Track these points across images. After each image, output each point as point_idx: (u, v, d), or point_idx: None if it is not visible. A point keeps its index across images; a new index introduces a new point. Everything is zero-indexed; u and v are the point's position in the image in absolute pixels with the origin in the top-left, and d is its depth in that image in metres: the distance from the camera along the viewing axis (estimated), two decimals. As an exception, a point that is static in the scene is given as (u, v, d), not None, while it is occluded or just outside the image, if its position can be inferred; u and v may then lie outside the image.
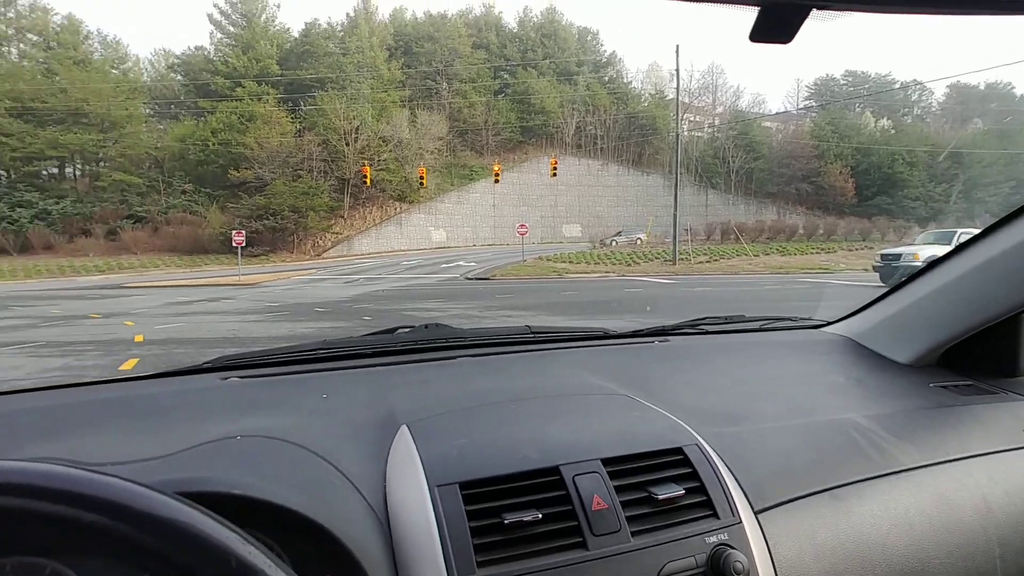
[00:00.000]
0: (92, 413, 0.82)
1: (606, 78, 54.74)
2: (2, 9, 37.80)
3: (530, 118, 48.02)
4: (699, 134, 54.25)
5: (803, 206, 45.39)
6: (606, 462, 0.71)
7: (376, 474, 0.71)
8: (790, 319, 1.48)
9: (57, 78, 36.25)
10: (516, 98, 48.53)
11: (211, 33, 43.37)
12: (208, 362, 1.02)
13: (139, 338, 8.81)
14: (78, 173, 38.40)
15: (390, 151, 40.26)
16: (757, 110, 55.29)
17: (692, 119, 53.99)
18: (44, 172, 36.57)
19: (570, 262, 25.06)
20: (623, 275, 20.12)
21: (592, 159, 49.64)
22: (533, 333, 1.20)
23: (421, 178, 31.44)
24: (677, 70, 25.38)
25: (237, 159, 36.52)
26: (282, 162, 36.94)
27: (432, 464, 0.69)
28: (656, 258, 25.28)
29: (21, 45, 38.53)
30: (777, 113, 54.05)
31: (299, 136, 38.45)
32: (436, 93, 47.53)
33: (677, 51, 34.10)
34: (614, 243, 36.49)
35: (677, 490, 0.71)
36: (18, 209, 33.25)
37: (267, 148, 36.69)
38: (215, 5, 42.99)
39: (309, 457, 0.71)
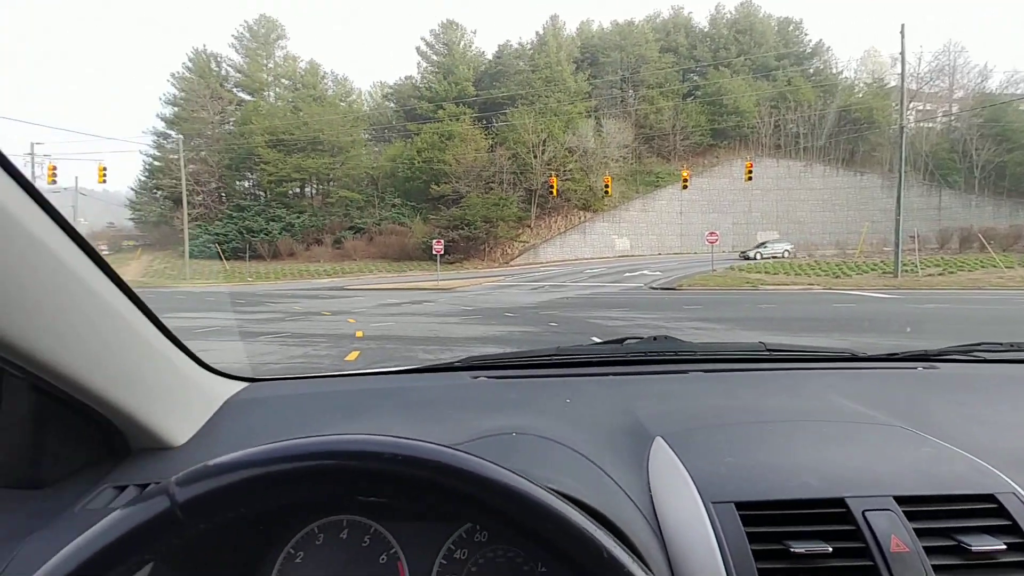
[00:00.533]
0: (377, 399, 0.95)
1: (810, 70, 51.15)
2: (265, 61, 48.14)
3: (722, 120, 46.81)
4: (930, 125, 47.69)
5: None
6: (900, 500, 0.66)
7: (639, 482, 0.72)
8: None
9: (301, 113, 44.97)
10: (706, 100, 47.72)
11: (418, 63, 50.31)
12: (459, 361, 1.12)
13: (359, 333, 10.06)
14: (314, 192, 46.90)
15: (575, 161, 42.36)
16: (1012, 91, 46.72)
17: (921, 108, 47.64)
18: (290, 192, 45.38)
19: (766, 272, 24.08)
20: (830, 288, 18.87)
21: (793, 160, 46.56)
22: (769, 351, 1.18)
23: (606, 186, 32.65)
24: (903, 53, 23.14)
25: (438, 175, 41.45)
26: (476, 176, 41.02)
27: (703, 480, 0.69)
28: (872, 270, 23.04)
29: (277, 89, 48.58)
30: (1047, 92, 45.15)
31: (491, 151, 42.39)
32: (622, 101, 48.84)
33: (902, 31, 30.73)
34: (758, 256, 33.44)
35: (996, 543, 0.63)
36: (271, 223, 41.75)
37: (463, 163, 41.07)
38: (422, 38, 49.89)
39: (579, 458, 0.74)
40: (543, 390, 1.00)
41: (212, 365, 0.92)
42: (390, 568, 0.63)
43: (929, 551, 0.62)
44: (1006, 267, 21.26)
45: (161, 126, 45.21)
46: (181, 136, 41.42)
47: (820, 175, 45.92)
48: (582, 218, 43.68)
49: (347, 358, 7.54)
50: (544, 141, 41.86)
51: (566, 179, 41.07)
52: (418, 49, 49.76)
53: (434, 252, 28.64)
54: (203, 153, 43.80)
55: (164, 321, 0.78)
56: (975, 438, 0.85)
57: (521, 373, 1.07)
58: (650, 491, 0.71)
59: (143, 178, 44.75)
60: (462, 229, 38.62)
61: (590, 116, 45.53)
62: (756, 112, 46.57)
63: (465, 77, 47.10)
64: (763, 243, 36.72)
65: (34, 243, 0.54)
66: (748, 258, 33.16)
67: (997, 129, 41.15)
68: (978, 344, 1.27)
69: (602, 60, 49.60)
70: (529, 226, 42.49)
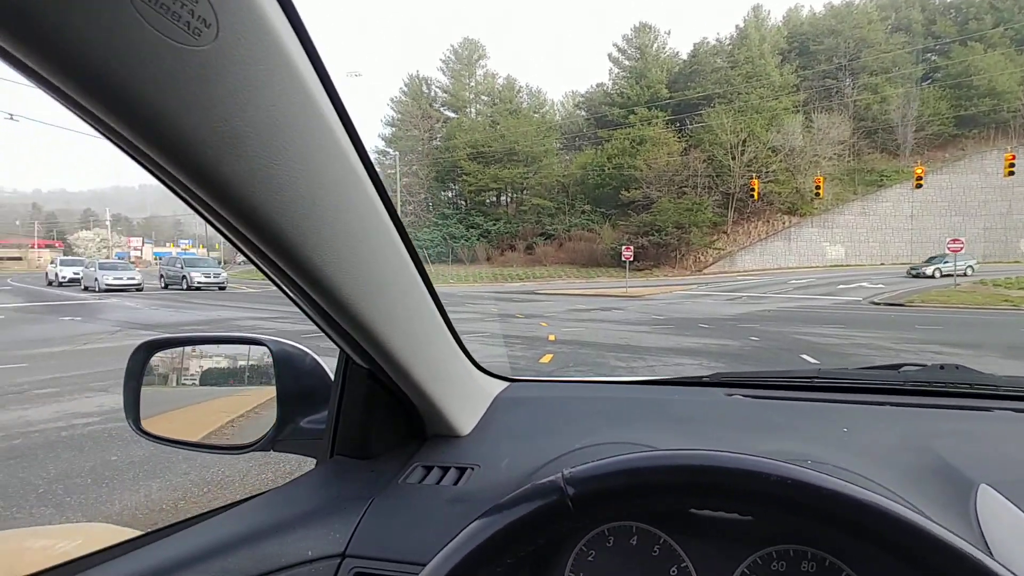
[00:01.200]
0: (633, 408, 1.00)
1: (1104, 35, 42.64)
2: (468, 80, 54.53)
3: (970, 105, 41.54)
4: None
5: None
6: None
7: (969, 534, 0.65)
8: None
9: (498, 127, 50.14)
10: (949, 83, 42.68)
11: (610, 69, 52.95)
12: (707, 377, 1.14)
13: (552, 337, 10.53)
14: (508, 200, 51.82)
15: (780, 161, 40.99)
16: None
17: None
18: (487, 201, 50.82)
19: None
20: None
21: (1076, 149, 39.32)
22: None
23: (816, 188, 31.28)
24: None
25: (628, 180, 43.23)
26: (668, 180, 41.93)
27: None
28: None
29: (477, 105, 54.69)
30: None
31: (685, 154, 43.03)
32: (837, 92, 45.98)
33: None
34: (936, 273, 28.55)
35: None
36: (470, 229, 47.23)
37: (655, 168, 42.28)
38: (614, 44, 52.35)
39: (896, 499, 0.66)
40: (808, 415, 0.95)
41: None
42: None
43: None
44: None
45: (381, 145, 53.90)
46: (397, 153, 48.98)
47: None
48: (787, 223, 42.01)
49: (541, 360, 8.04)
50: (744, 141, 41.30)
51: (768, 181, 40.02)
52: (610, 56, 52.35)
53: (623, 258, 29.83)
54: (414, 167, 51.17)
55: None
56: None
57: (778, 394, 1.05)
58: (986, 545, 0.63)
59: (365, 192, 53.81)
60: (652, 235, 39.78)
61: (798, 111, 43.69)
62: (1020, 92, 40.30)
63: (658, 80, 48.32)
64: (931, 258, 31.77)
65: (394, 248, 0.67)
66: (922, 275, 29.30)
67: None
68: None
69: (813, 48, 47.17)
70: (725, 232, 42.10)
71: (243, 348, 1.02)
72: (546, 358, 8.21)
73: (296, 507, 0.79)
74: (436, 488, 0.82)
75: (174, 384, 1.03)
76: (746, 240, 42.02)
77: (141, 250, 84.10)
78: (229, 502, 0.87)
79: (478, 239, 46.49)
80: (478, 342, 9.74)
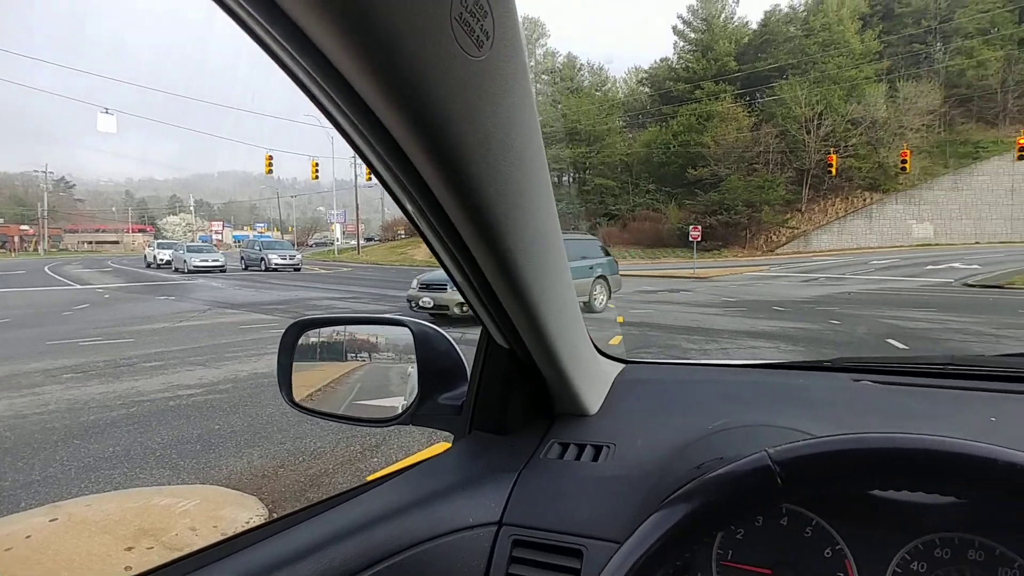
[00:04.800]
0: (754, 392, 0.99)
1: None
2: (529, 60, 53.98)
3: (1084, 66, 37.41)
4: None
5: None
6: None
7: None
8: None
9: (559, 106, 49.47)
10: (1059, 43, 38.59)
11: (675, 43, 50.94)
12: (828, 362, 1.10)
13: (620, 319, 10.55)
14: (570, 180, 51.27)
15: (860, 135, 38.59)
16: None
17: None
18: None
19: None
20: None
21: None
22: None
23: (903, 162, 29.10)
24: None
25: (694, 158, 41.85)
26: (737, 157, 40.29)
27: None
28: None
29: (538, 84, 54.10)
30: None
31: (755, 130, 41.16)
32: (926, 58, 42.59)
33: None
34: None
35: None
36: (532, 211, 47.09)
37: (723, 145, 40.70)
38: (679, 16, 50.36)
39: None
40: (947, 403, 0.92)
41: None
42: (836, 563, 0.64)
43: None
44: None
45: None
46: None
47: None
48: (868, 200, 39.60)
49: (611, 342, 8.09)
50: (820, 114, 39.08)
51: (847, 155, 37.79)
52: (674, 28, 50.41)
53: (690, 239, 29.08)
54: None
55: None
56: None
57: (910, 380, 1.01)
58: None
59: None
60: (721, 215, 38.51)
61: (880, 80, 40.81)
62: None
63: (726, 52, 46.27)
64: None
65: (557, 236, 0.69)
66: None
67: None
68: None
69: (898, 11, 43.83)
70: (799, 210, 40.17)
71: (385, 329, 1.09)
72: (615, 340, 8.15)
73: (444, 480, 0.84)
74: (577, 464, 0.86)
75: (321, 361, 1.10)
76: (822, 219, 39.93)
77: (222, 233, 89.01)
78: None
79: (540, 221, 46.39)
80: None
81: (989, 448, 0.49)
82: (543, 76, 54.49)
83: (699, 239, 29.75)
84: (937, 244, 37.52)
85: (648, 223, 42.38)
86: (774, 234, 39.45)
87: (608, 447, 0.88)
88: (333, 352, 1.11)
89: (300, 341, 1.06)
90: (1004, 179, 37.71)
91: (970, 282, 18.51)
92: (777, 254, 37.80)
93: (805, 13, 46.10)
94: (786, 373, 1.11)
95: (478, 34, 0.40)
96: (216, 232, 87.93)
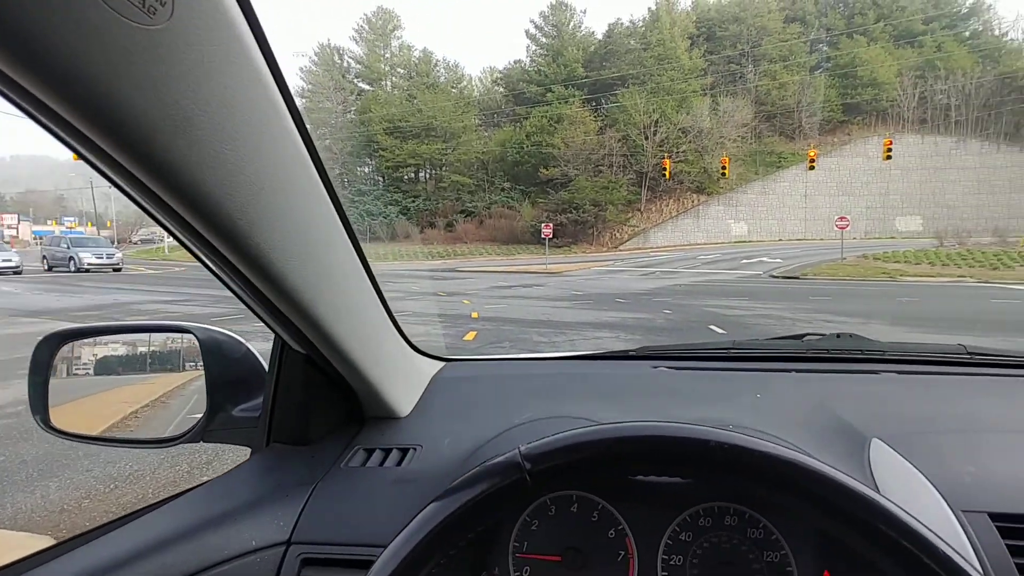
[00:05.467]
0: (567, 383, 1.05)
1: (966, 33, 47.43)
2: (382, 52, 52.67)
3: (855, 93, 45.11)
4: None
5: None
6: None
7: (865, 481, 0.71)
8: None
9: (415, 101, 48.95)
10: (837, 72, 46.14)
11: (527, 46, 52.80)
12: (633, 351, 1.20)
13: (475, 315, 10.51)
14: (427, 176, 50.92)
15: (689, 142, 42.84)
16: None
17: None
18: (405, 177, 49.75)
19: (906, 262, 23.25)
20: (986, 280, 18.07)
21: (942, 136, 43.92)
22: (970, 354, 1.12)
23: (723, 168, 33.00)
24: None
25: (546, 158, 43.70)
26: (585, 159, 42.77)
27: (946, 487, 0.70)
28: None
29: (393, 78, 53.04)
30: None
31: (601, 133, 43.98)
32: (741, 77, 48.38)
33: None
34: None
35: None
36: (389, 207, 46.09)
37: (572, 147, 42.96)
38: (531, 20, 52.23)
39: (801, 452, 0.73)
40: (726, 383, 1.03)
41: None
42: (618, 542, 0.70)
43: None
44: None
45: (291, 118, 51.02)
46: (309, 126, 46.51)
47: (976, 152, 43.00)
48: (696, 201, 44.11)
49: (465, 338, 8.08)
50: (656, 122, 42.69)
51: (679, 161, 41.71)
52: (527, 32, 52.23)
53: (543, 236, 30.22)
54: (327, 141, 49.00)
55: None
56: None
57: (700, 365, 1.12)
58: (877, 490, 0.66)
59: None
60: (570, 213, 40.51)
61: (706, 94, 45.65)
62: (897, 83, 44.38)
63: (574, 59, 48.81)
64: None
65: (337, 232, 0.67)
66: None
67: None
68: None
69: (719, 34, 49.27)
70: (639, 210, 43.61)
71: (166, 336, 0.97)
72: (470, 336, 8.22)
73: (236, 498, 0.78)
74: (379, 470, 0.83)
75: (83, 376, 0.97)
76: (659, 217, 43.76)
77: (16, 228, 75.56)
78: (153, 500, 0.83)
79: (397, 216, 45.48)
80: (400, 321, 10.00)
81: (704, 431, 0.54)
82: (399, 69, 53.49)
83: (551, 236, 31.02)
84: (750, 241, 42.89)
85: (504, 220, 43.34)
86: (618, 231, 42.41)
87: (415, 449, 0.86)
88: (106, 367, 0.97)
89: (63, 355, 0.91)
90: (800, 186, 44.21)
91: (774, 274, 21.29)
92: (621, 250, 40.56)
93: (643, 28, 50.11)
94: (596, 364, 1.20)
95: (149, 2, 0.37)
96: (9, 227, 74.47)
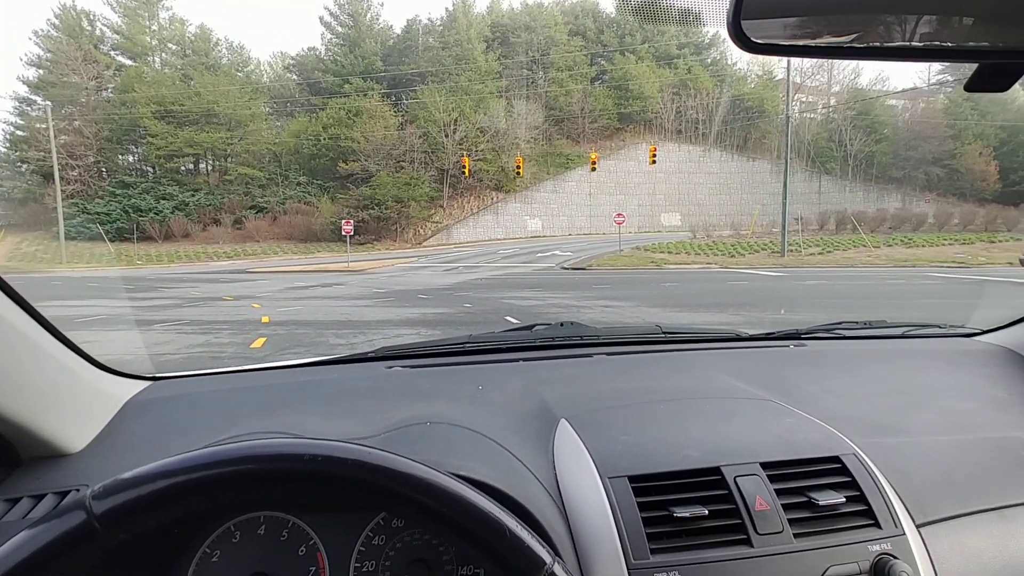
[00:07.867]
0: (289, 393, 1.01)
1: (708, 60, 56.08)
2: (147, 23, 45.75)
3: (628, 104, 50.61)
4: (811, 116, 54.15)
5: (934, 192, 44.59)
6: (765, 466, 0.79)
7: (545, 463, 0.82)
8: (938, 326, 1.46)
9: (192, 83, 43.61)
10: (614, 84, 51.33)
11: (322, 34, 50.24)
12: (373, 352, 1.20)
13: (265, 319, 10.02)
14: (210, 168, 45.74)
15: (487, 141, 44.38)
16: (880, 88, 54.31)
17: (804, 100, 53.95)
18: (182, 168, 44.04)
19: (669, 252, 26.14)
20: (726, 267, 20.69)
21: (693, 145, 51.39)
22: (664, 333, 1.29)
23: (517, 167, 34.95)
24: (788, 49, 26.69)
25: (346, 152, 41.97)
26: (386, 154, 41.94)
27: (601, 458, 0.79)
28: (763, 249, 24.92)
29: (163, 55, 46.51)
30: (904, 90, 53.08)
31: (402, 129, 43.46)
32: (532, 82, 51.35)
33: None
34: None
35: (838, 497, 0.76)
36: (162, 201, 40.47)
37: (372, 141, 41.81)
38: (325, 7, 49.60)
39: (490, 444, 0.83)
40: (456, 378, 1.07)
41: (106, 363, 0.93)
42: (310, 559, 0.69)
43: (786, 507, 0.76)
44: (873, 246, 23.96)
45: (24, 90, 42.05)
46: (49, 103, 38.83)
47: (717, 160, 51.10)
48: (495, 199, 45.90)
49: (252, 345, 7.54)
50: (455, 120, 43.41)
51: (478, 159, 42.97)
52: (321, 19, 49.74)
53: (343, 233, 29.16)
54: (77, 123, 41.33)
55: (41, 312, 0.78)
56: (830, 408, 1.01)
57: (435, 362, 1.13)
58: (555, 471, 0.80)
59: (4, 149, 41.63)
60: (372, 209, 39.43)
61: (501, 96, 47.65)
62: (659, 98, 50.82)
63: (373, 51, 47.54)
64: None
65: None
66: None
67: (867, 121, 47.90)
68: (839, 323, 1.44)
69: (512, 40, 51.77)
70: (442, 206, 44.07)
71: None
72: (258, 343, 7.66)
73: None
74: (19, 524, 0.70)
75: None
76: (461, 214, 44.66)
77: None
78: None
79: (172, 212, 40.00)
80: (174, 331, 8.82)
81: (292, 444, 0.52)
82: (170, 45, 47.00)
83: (352, 233, 29.74)
84: (544, 236, 45.87)
85: (300, 216, 40.66)
86: (421, 228, 42.39)
87: (78, 491, 0.74)
88: None
89: None
90: (585, 185, 48.49)
91: (565, 266, 22.72)
92: (425, 246, 40.56)
93: (441, 27, 50.54)
94: (326, 369, 1.14)
95: None
96: None
